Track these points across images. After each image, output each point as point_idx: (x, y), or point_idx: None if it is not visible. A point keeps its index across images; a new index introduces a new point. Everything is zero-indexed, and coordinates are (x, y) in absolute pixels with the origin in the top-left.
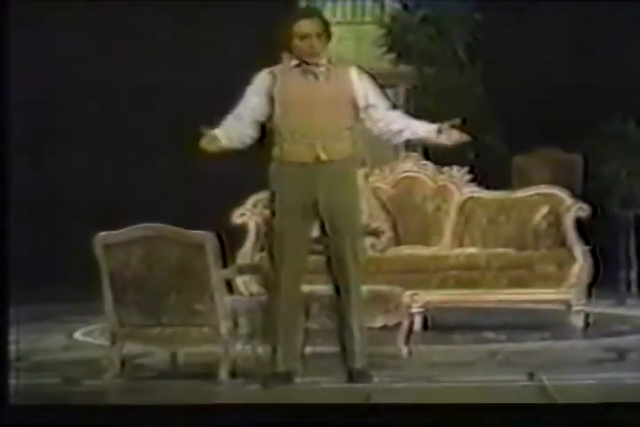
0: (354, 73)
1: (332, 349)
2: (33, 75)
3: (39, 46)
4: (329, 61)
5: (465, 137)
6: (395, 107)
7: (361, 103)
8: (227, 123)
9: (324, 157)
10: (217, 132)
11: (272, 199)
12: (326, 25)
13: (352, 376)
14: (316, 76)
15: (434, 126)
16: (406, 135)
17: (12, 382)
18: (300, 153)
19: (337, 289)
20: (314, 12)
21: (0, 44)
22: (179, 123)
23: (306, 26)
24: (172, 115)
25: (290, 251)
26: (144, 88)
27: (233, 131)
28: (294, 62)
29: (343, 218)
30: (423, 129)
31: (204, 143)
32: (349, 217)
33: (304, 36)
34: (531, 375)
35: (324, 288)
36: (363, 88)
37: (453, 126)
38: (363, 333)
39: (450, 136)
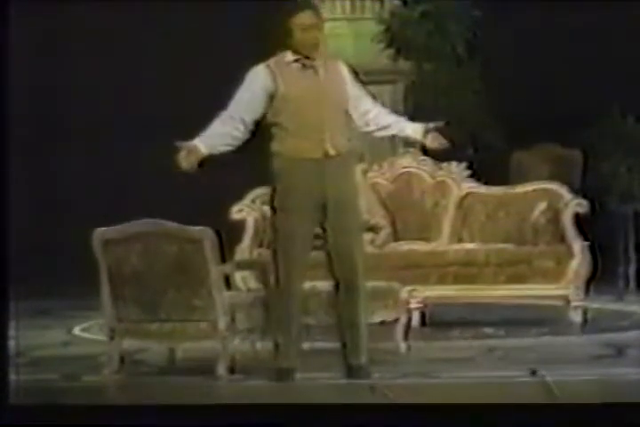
0: (342, 66)
1: (330, 345)
2: (33, 74)
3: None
4: (323, 55)
5: (445, 143)
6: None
7: (350, 96)
8: (212, 128)
9: (332, 152)
10: (197, 142)
11: (273, 196)
12: (322, 18)
13: (351, 372)
14: (315, 70)
15: (421, 126)
16: (392, 131)
17: (12, 377)
18: (309, 149)
19: (336, 285)
20: (311, 5)
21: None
22: (178, 121)
23: (307, 17)
24: (172, 114)
25: (296, 248)
26: (143, 87)
27: (216, 137)
28: (292, 57)
29: (349, 214)
30: (410, 127)
31: (182, 158)
32: (354, 212)
33: (307, 28)
34: (533, 372)
35: (323, 284)
36: (349, 81)
37: (438, 129)
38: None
39: (433, 139)
